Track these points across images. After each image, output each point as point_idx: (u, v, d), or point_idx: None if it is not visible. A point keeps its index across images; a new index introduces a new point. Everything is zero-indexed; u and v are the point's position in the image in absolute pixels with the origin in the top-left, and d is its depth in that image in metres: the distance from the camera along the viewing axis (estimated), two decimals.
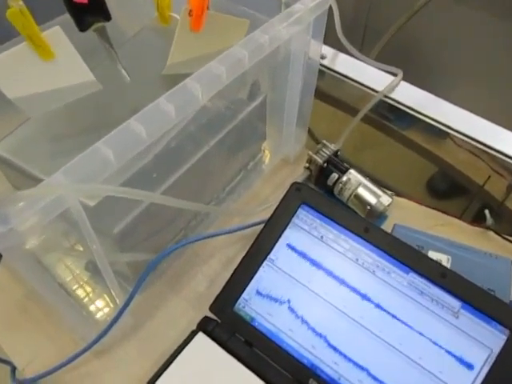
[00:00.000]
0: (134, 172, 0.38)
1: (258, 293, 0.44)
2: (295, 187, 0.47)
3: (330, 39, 0.63)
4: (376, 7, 0.87)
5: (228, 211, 0.56)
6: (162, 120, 0.34)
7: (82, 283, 0.48)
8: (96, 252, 0.35)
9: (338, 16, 0.63)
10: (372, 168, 0.64)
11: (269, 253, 0.45)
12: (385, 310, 0.41)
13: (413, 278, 0.41)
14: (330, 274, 0.43)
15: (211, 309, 0.45)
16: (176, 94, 0.34)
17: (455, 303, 0.40)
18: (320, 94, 0.62)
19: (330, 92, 0.69)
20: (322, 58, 0.64)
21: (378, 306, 0.41)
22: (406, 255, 0.42)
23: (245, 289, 0.45)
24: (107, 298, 0.49)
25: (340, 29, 0.64)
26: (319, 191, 0.45)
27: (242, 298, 0.45)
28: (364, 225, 0.44)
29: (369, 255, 0.43)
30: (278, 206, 0.47)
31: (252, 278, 0.45)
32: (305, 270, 0.44)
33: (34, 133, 0.44)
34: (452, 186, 0.74)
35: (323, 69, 0.64)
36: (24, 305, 0.50)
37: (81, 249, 0.45)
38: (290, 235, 0.46)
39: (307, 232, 0.45)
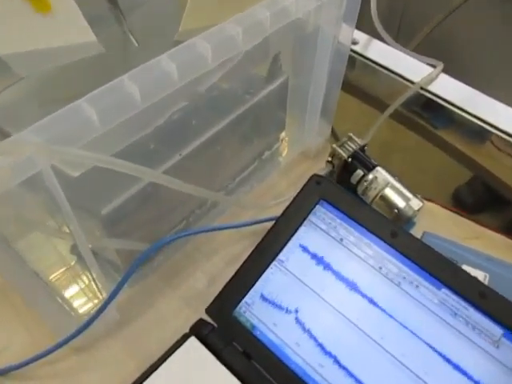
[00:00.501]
0: (130, 144, 0.33)
1: (263, 297, 0.39)
2: (314, 180, 0.41)
3: (363, 25, 0.57)
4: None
5: (237, 203, 0.50)
6: (162, 81, 0.28)
7: (63, 270, 0.43)
8: (75, 232, 0.30)
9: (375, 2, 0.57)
10: (396, 169, 0.57)
11: (278, 253, 0.39)
12: (410, 331, 0.34)
13: (446, 295, 0.35)
14: (347, 282, 0.37)
15: (208, 311, 0.40)
16: (181, 52, 0.29)
17: (496, 330, 0.33)
18: (346, 85, 0.56)
19: (359, 83, 0.63)
20: (354, 43, 0.58)
21: (401, 325, 0.35)
22: (439, 268, 0.36)
23: (248, 291, 0.39)
24: (93, 289, 0.43)
25: (376, 14, 0.58)
26: (342, 187, 0.40)
27: (243, 301, 0.39)
28: (391, 229, 0.38)
29: (395, 264, 0.37)
30: (294, 200, 0.41)
31: (257, 279, 0.39)
32: (318, 275, 0.38)
33: (23, 95, 0.39)
34: (481, 199, 0.66)
35: (354, 55, 0.58)
36: (4, 289, 0.45)
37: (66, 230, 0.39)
38: (304, 234, 0.40)
39: (324, 232, 0.39)
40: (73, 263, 0.42)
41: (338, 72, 0.54)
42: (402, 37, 0.61)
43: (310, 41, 0.50)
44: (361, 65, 0.60)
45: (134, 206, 0.38)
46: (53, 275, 0.43)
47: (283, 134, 0.57)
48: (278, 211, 0.44)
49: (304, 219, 0.40)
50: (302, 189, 0.41)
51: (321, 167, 0.53)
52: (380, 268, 0.37)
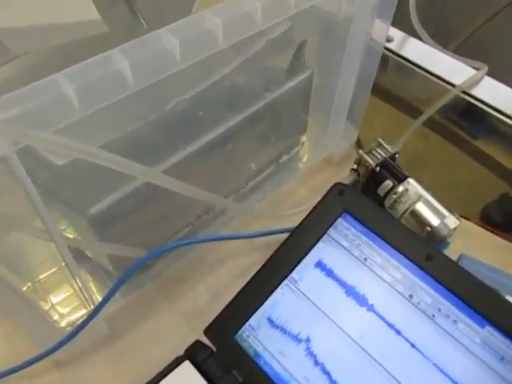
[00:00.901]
0: (123, 135, 0.28)
1: (270, 321, 0.33)
2: (338, 189, 0.35)
3: (398, 21, 0.51)
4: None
5: (249, 210, 0.45)
6: (161, 60, 0.23)
7: (48, 274, 0.39)
8: (49, 231, 0.25)
9: None
10: (424, 182, 0.51)
11: (291, 270, 0.34)
12: (446, 375, 0.29)
13: (490, 334, 0.29)
14: (370, 310, 0.32)
15: (207, 332, 0.35)
16: (186, 26, 0.24)
17: None
18: (375, 87, 0.51)
19: (389, 85, 0.57)
20: (388, 40, 0.52)
21: (435, 366, 0.29)
22: (483, 300, 0.30)
23: (254, 313, 0.34)
24: (82, 297, 0.39)
25: (414, 9, 0.52)
26: (370, 199, 0.34)
27: (248, 324, 0.34)
28: (426, 250, 0.32)
29: (429, 293, 0.31)
30: (313, 210, 0.35)
31: (265, 299, 0.34)
32: (336, 300, 0.32)
33: (17, 75, 0.35)
34: None
35: (387, 53, 0.52)
36: None
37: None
38: (322, 251, 0.34)
39: (346, 250, 0.34)
40: (56, 268, 0.38)
41: (369, 71, 0.49)
42: (441, 36, 0.55)
43: (339, 35, 0.45)
44: (394, 64, 0.54)
45: (128, 206, 0.33)
46: (35, 279, 0.38)
47: (304, 137, 0.52)
48: (294, 222, 0.38)
49: (323, 234, 0.34)
50: (322, 199, 0.35)
51: (344, 176, 0.48)
52: (410, 296, 0.31)
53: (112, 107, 0.24)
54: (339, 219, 0.35)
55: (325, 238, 0.35)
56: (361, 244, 0.34)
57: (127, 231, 0.35)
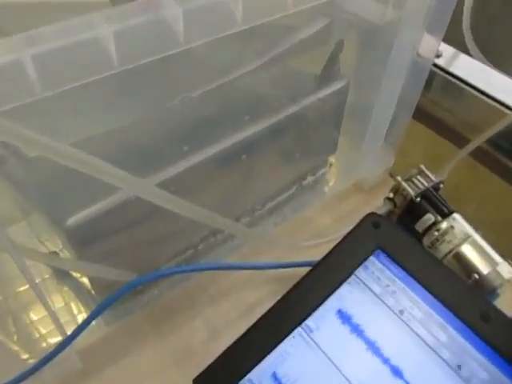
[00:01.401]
0: (108, 132, 0.22)
1: (275, 378, 0.26)
2: (371, 220, 0.29)
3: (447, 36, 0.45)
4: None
5: (263, 237, 0.38)
6: (159, 34, 0.18)
7: (17, 293, 0.33)
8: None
9: (469, 8, 0.45)
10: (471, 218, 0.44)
11: (307, 317, 0.27)
12: None
13: None
14: (403, 379, 0.25)
15: (196, 382, 0.28)
16: None
17: None
18: (417, 108, 0.44)
19: (432, 107, 0.51)
20: (438, 56, 0.46)
21: None
22: None
23: (256, 365, 0.27)
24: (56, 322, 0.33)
25: (468, 24, 0.46)
26: (410, 235, 0.28)
27: (247, 379, 0.27)
28: (481, 308, 0.25)
29: (483, 365, 0.24)
30: (340, 243, 0.29)
31: (271, 350, 0.27)
32: (360, 360, 0.26)
33: None
34: None
35: (436, 70, 0.46)
36: None
37: None
38: (346, 296, 0.28)
39: (377, 297, 0.27)
40: (24, 287, 0.32)
41: (414, 90, 0.43)
42: (494, 54, 0.49)
43: (381, 46, 0.39)
44: (440, 82, 0.48)
45: (115, 220, 0.27)
46: None
47: (332, 158, 0.46)
48: (314, 255, 0.32)
49: (350, 274, 0.28)
50: (352, 230, 0.29)
51: (377, 205, 0.41)
52: (459, 367, 0.24)
53: (93, 93, 0.18)
54: (371, 257, 0.28)
55: (351, 279, 0.28)
56: (396, 291, 0.27)
57: (113, 250, 0.29)
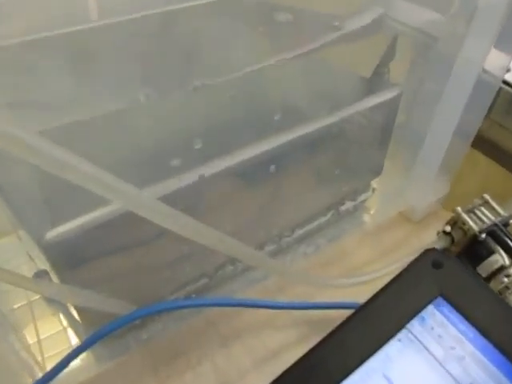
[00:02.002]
0: (96, 118, 0.17)
1: None
2: (432, 258, 0.22)
3: None
4: None
5: (290, 270, 0.32)
6: None
7: None
8: None
9: None
10: None
11: (343, 379, 0.21)
12: None
13: None
14: None
15: None
16: None
17: None
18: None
19: (494, 131, 0.44)
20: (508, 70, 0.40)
21: None
22: None
23: None
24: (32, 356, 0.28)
25: None
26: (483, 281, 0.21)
27: None
28: None
29: None
30: (388, 286, 0.22)
31: None
32: None
33: None
34: None
35: (503, 86, 0.40)
36: None
37: None
38: (394, 357, 0.21)
39: (438, 364, 0.20)
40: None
41: (477, 111, 0.37)
42: None
43: (441, 59, 0.34)
44: (506, 102, 0.41)
45: (107, 237, 0.22)
46: None
47: (376, 182, 0.39)
48: (352, 295, 0.26)
49: (401, 327, 0.21)
50: (406, 270, 0.22)
51: (428, 239, 0.35)
52: None
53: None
54: (430, 307, 0.22)
55: (402, 334, 0.21)
56: (465, 358, 0.20)
57: (105, 274, 0.24)
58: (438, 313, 0.21)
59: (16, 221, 0.22)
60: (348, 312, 0.26)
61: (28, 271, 0.30)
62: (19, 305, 0.33)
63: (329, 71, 0.28)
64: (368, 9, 0.25)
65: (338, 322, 0.26)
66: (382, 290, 0.22)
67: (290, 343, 0.30)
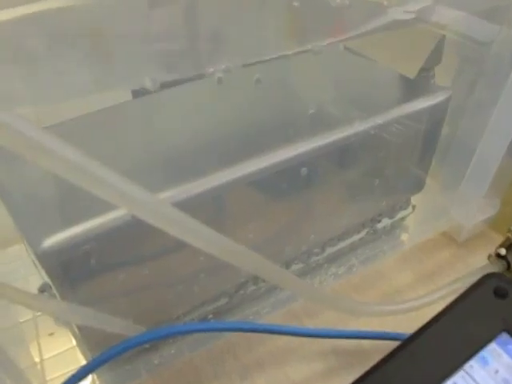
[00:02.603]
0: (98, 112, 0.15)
1: None
2: (493, 284, 0.19)
3: None
4: None
5: (319, 292, 0.29)
6: None
7: None
8: None
9: None
10: None
11: None
12: None
13: None
14: None
15: None
16: None
17: None
18: None
19: None
20: None
21: None
22: None
23: None
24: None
25: None
26: None
27: None
28: None
29: None
30: (439, 318, 0.19)
31: None
32: None
33: None
34: None
35: None
36: None
37: None
38: None
39: None
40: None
41: None
42: None
43: (495, 66, 0.31)
44: None
45: (112, 247, 0.19)
46: None
47: (417, 198, 0.36)
48: (390, 324, 0.23)
49: (456, 368, 0.18)
50: (461, 298, 0.19)
51: (476, 263, 0.31)
52: None
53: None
54: (492, 345, 0.18)
55: (458, 376, 0.18)
56: None
57: (111, 290, 0.21)
58: (503, 352, 0.18)
59: (16, 226, 0.20)
60: (385, 344, 0.22)
61: (36, 282, 0.28)
62: (25, 319, 0.30)
63: (367, 67, 0.25)
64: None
65: (372, 355, 0.22)
66: (433, 321, 0.19)
67: (316, 376, 0.27)
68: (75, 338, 0.28)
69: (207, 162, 0.21)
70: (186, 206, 0.19)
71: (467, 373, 0.18)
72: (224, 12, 0.15)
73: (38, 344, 0.28)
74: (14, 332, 0.29)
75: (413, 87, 0.27)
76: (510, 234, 0.28)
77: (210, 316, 0.28)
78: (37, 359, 0.28)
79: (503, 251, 0.28)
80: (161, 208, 0.17)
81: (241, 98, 0.19)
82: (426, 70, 0.29)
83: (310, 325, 0.29)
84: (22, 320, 0.30)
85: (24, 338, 0.29)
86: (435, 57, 0.30)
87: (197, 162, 0.21)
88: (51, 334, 0.29)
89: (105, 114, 0.21)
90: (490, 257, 0.30)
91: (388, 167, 0.31)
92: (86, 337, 0.23)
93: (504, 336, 0.18)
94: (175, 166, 0.20)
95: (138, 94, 0.19)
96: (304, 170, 0.23)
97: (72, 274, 0.19)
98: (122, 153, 0.20)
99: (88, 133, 0.19)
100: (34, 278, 0.28)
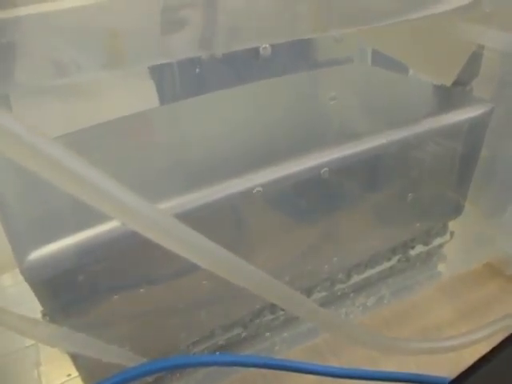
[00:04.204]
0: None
1: None
2: None
3: None
4: None
5: (344, 325, 0.25)
6: None
7: None
8: None
9: None
10: None
11: None
12: None
13: None
14: None
15: None
16: None
17: None
18: None
19: None
20: None
21: None
22: None
23: None
24: None
25: None
26: None
27: None
28: None
29: None
30: (485, 361, 0.16)
31: None
32: None
33: None
34: None
35: None
36: None
37: None
38: None
39: None
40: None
41: None
42: None
43: None
44: None
45: (109, 263, 0.17)
46: None
47: (455, 224, 0.32)
48: (426, 365, 0.20)
49: None
50: (510, 339, 0.15)
51: None
52: None
53: None
54: None
55: None
56: None
57: (107, 313, 0.19)
58: None
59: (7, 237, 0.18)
60: None
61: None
62: (30, 344, 0.29)
63: (399, 74, 0.23)
64: None
65: None
66: (479, 364, 0.15)
67: None
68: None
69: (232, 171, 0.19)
70: (198, 216, 0.16)
71: None
72: None
73: (38, 373, 0.26)
74: (15, 357, 0.27)
75: (449, 98, 0.25)
76: None
77: (222, 347, 0.25)
78: None
79: None
80: (162, 222, 0.15)
81: (270, 108, 0.17)
82: (462, 84, 0.26)
83: (335, 363, 0.25)
84: (27, 344, 0.29)
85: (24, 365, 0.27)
86: (472, 69, 0.27)
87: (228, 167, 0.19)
88: (50, 363, 0.27)
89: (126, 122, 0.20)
90: None
91: (421, 187, 0.28)
92: (80, 366, 0.21)
93: None
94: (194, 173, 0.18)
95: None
96: (328, 183, 0.21)
97: (60, 292, 0.17)
98: (146, 160, 0.19)
99: (104, 141, 0.18)
100: None
